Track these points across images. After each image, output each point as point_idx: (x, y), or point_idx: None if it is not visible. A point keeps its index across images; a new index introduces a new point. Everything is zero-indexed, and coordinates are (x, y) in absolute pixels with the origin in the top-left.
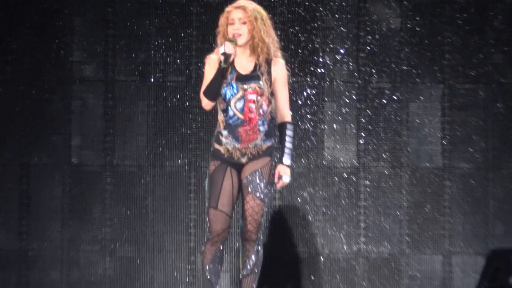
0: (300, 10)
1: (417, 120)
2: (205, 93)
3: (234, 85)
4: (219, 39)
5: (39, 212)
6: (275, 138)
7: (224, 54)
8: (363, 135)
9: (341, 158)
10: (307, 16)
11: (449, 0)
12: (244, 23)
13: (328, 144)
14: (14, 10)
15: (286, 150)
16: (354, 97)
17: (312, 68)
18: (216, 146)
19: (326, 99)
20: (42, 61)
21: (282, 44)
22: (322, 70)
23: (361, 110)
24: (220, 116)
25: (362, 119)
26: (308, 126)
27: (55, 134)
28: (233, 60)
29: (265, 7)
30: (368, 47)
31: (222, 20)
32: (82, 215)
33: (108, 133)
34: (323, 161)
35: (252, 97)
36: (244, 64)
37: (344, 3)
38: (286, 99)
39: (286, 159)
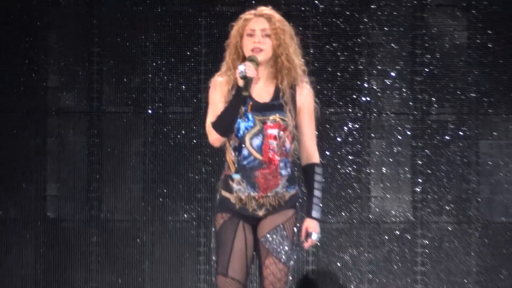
0: (339, 22)
1: (489, 162)
2: (215, 126)
3: (250, 116)
4: (228, 55)
5: (5, 279)
6: (298, 185)
7: (244, 77)
8: (420, 181)
9: (392, 211)
10: (348, 30)
11: None
12: (268, 35)
13: (376, 193)
14: None
15: (315, 200)
16: (408, 132)
17: (354, 96)
18: (225, 193)
19: (372, 135)
20: (9, 87)
21: (316, 65)
22: (368, 99)
23: (417, 150)
24: (230, 156)
25: (419, 161)
26: (350, 169)
27: (25, 181)
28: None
29: (295, 18)
30: (426, 69)
31: (236, 30)
32: (61, 285)
33: (93, 179)
34: (370, 215)
35: (273, 132)
36: (262, 89)
37: (395, 13)
38: (313, 135)
39: (315, 212)
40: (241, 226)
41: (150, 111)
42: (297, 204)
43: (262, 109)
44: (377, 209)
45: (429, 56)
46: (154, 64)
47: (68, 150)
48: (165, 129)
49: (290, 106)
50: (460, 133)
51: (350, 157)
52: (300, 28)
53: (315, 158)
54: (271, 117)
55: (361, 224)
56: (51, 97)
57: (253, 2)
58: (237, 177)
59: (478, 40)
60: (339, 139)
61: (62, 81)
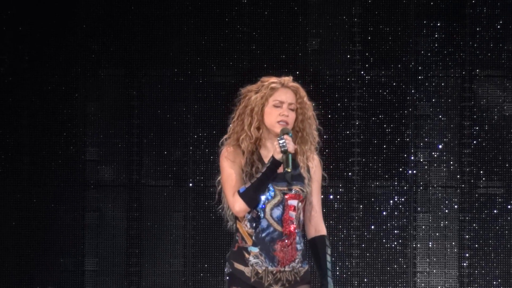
0: (385, 93)
1: None
2: (245, 197)
3: (270, 187)
4: (248, 123)
5: None
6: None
7: (285, 152)
8: (467, 255)
9: (438, 287)
10: (394, 101)
11: None
12: (293, 109)
13: (422, 267)
14: (9, 91)
15: (328, 273)
16: (455, 206)
17: (400, 169)
18: (238, 266)
19: (418, 209)
20: (47, 160)
21: (362, 137)
22: (414, 172)
23: (464, 223)
24: (245, 228)
25: (466, 235)
26: (395, 244)
27: (63, 256)
28: (259, 152)
29: (340, 89)
30: (474, 141)
31: (258, 97)
32: None
33: (132, 253)
34: None
35: (293, 203)
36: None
37: (443, 84)
38: (321, 207)
39: (331, 285)
40: None
41: (191, 184)
42: (311, 281)
43: (281, 179)
44: (423, 285)
45: (477, 128)
46: (195, 136)
47: (106, 224)
48: (206, 203)
49: (308, 178)
50: (508, 206)
51: (395, 231)
52: (346, 100)
53: (324, 230)
54: (292, 188)
55: None
56: (90, 170)
57: (297, 73)
58: (255, 250)
59: None
60: (384, 213)
61: (100, 153)
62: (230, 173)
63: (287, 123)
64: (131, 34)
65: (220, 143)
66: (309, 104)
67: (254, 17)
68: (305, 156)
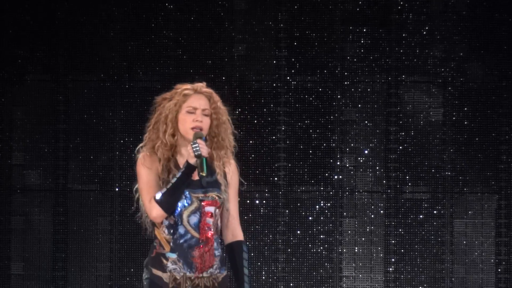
0: (311, 99)
1: (464, 242)
2: (161, 203)
3: (187, 193)
4: (162, 129)
5: None
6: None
7: (199, 156)
8: (393, 260)
9: None
10: (320, 106)
11: (508, 83)
12: (207, 115)
13: (348, 272)
14: None
15: (245, 278)
16: (381, 211)
17: (326, 174)
18: (156, 272)
19: (344, 214)
20: None
21: (288, 143)
22: (340, 177)
23: (390, 228)
24: (163, 234)
25: (392, 240)
26: (321, 249)
27: None
28: (176, 159)
29: (266, 94)
30: (400, 147)
31: (171, 105)
32: None
33: (59, 258)
34: None
35: (210, 209)
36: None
37: (369, 89)
38: (237, 213)
39: None
40: None
41: (117, 189)
42: (229, 286)
43: (199, 186)
44: None
45: (403, 134)
46: (122, 141)
47: (33, 228)
48: (132, 208)
49: (224, 184)
50: (434, 211)
51: (321, 237)
52: (272, 105)
53: (241, 235)
54: (208, 195)
55: None
56: (16, 175)
57: (223, 78)
58: (172, 256)
59: (454, 117)
60: (310, 218)
61: (27, 158)
62: (147, 180)
63: (201, 129)
64: (58, 39)
65: (136, 151)
66: (223, 109)
67: (180, 23)
68: (221, 162)
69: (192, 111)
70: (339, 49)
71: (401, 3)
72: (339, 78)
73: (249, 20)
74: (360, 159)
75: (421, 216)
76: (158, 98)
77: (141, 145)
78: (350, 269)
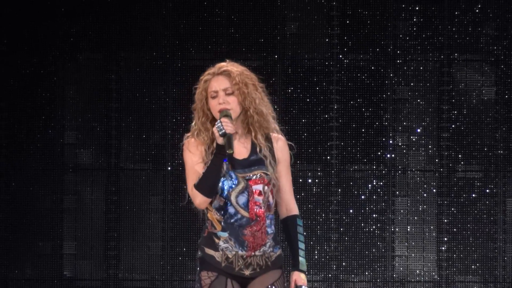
0: (364, 77)
1: None
2: (199, 188)
3: (233, 174)
4: (197, 118)
5: None
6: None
7: (224, 134)
8: (445, 239)
9: (417, 270)
10: (373, 85)
11: None
12: (232, 93)
13: (400, 251)
14: None
15: (300, 252)
16: (434, 190)
17: (379, 153)
18: (209, 251)
19: (397, 193)
20: (24, 144)
21: (340, 121)
22: (392, 155)
23: (443, 208)
24: (215, 215)
25: (445, 219)
26: (374, 228)
27: (41, 239)
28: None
29: (319, 73)
30: (452, 125)
31: (199, 93)
32: None
33: (111, 237)
34: (394, 274)
35: (258, 187)
36: (239, 145)
37: (421, 68)
38: (291, 187)
39: (303, 264)
40: (230, 284)
41: (169, 168)
42: (283, 265)
43: (243, 165)
44: (401, 268)
45: (456, 112)
46: (174, 120)
47: (85, 207)
48: (185, 186)
49: (270, 159)
50: (487, 190)
51: (374, 215)
52: (324, 84)
53: (295, 209)
54: (255, 173)
55: (385, 284)
56: (68, 154)
57: (275, 57)
58: (224, 235)
59: (506, 96)
60: (363, 197)
61: (79, 137)
62: (191, 165)
63: (228, 109)
64: (110, 17)
65: (184, 138)
66: (247, 82)
67: (232, 1)
68: (260, 135)
69: (215, 95)
70: (392, 27)
71: None
72: (391, 56)
73: None
74: (413, 138)
75: (473, 195)
76: (195, 87)
77: (187, 134)
78: (402, 248)
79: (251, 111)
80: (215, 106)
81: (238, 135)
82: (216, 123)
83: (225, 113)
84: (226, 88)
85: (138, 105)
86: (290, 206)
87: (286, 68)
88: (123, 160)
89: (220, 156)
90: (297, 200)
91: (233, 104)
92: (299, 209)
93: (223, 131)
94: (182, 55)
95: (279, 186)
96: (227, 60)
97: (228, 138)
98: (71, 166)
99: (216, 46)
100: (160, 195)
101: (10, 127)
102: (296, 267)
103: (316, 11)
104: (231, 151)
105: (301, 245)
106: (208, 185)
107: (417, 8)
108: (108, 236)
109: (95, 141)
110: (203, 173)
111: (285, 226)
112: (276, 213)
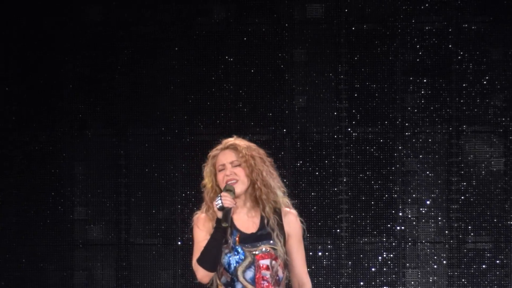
0: (372, 150)
1: None
2: (200, 262)
3: (239, 249)
4: (206, 195)
5: None
6: None
7: (222, 208)
8: None
9: None
10: (381, 157)
11: None
12: (238, 165)
13: None
14: None
15: None
16: (444, 261)
17: (388, 225)
18: None
19: (407, 264)
20: (34, 221)
21: (350, 194)
22: (402, 228)
23: (453, 279)
24: None
25: (455, 286)
26: None
27: None
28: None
29: (327, 146)
30: (462, 197)
31: (207, 170)
32: None
33: None
34: None
35: (265, 262)
36: (246, 220)
37: (430, 140)
38: (304, 261)
39: None
40: None
41: (179, 243)
42: None
43: (251, 240)
44: None
45: (465, 184)
46: (183, 194)
47: (95, 283)
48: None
49: (278, 232)
50: (497, 261)
51: (384, 287)
52: (333, 157)
53: (308, 284)
54: (261, 247)
55: None
56: (78, 230)
57: (284, 131)
58: None
59: None
60: (373, 269)
61: (89, 213)
62: (196, 241)
63: (236, 180)
64: (118, 93)
65: (194, 214)
66: (254, 155)
67: (240, 75)
68: (268, 208)
69: (222, 168)
70: (400, 100)
71: (461, 53)
72: (400, 129)
73: (309, 72)
74: (422, 210)
75: (484, 266)
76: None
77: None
78: None
79: (258, 183)
80: (222, 179)
81: (247, 209)
82: (216, 197)
83: (227, 188)
84: (233, 161)
85: (147, 180)
86: (303, 280)
87: (295, 142)
88: (133, 235)
89: (218, 230)
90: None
91: (240, 175)
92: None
93: (221, 205)
94: (190, 130)
95: (291, 261)
96: (235, 136)
97: (226, 212)
98: (81, 242)
99: (225, 121)
100: (171, 269)
101: (19, 204)
102: None
103: (324, 85)
104: (226, 225)
105: None
106: (208, 259)
107: (425, 81)
108: None
109: (105, 217)
110: (204, 247)
111: None
112: (288, 286)
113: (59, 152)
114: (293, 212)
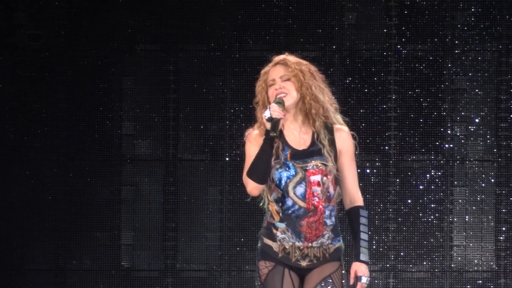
0: (422, 67)
1: None
2: (250, 174)
3: (290, 165)
4: (259, 112)
5: None
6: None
7: (270, 119)
8: (504, 229)
9: (475, 260)
10: (431, 75)
11: None
12: (288, 79)
13: (458, 241)
14: (46, 66)
15: (362, 243)
16: (492, 180)
17: (437, 143)
18: (267, 241)
19: (455, 183)
20: (82, 135)
21: (398, 111)
22: (450, 146)
23: (501, 197)
24: (273, 206)
25: (503, 209)
26: (432, 218)
27: (99, 230)
28: (281, 131)
29: (377, 64)
30: (511, 115)
31: (259, 86)
32: None
33: (169, 228)
34: (452, 264)
35: (316, 178)
36: (297, 136)
37: (479, 58)
38: (356, 177)
39: (364, 255)
40: (287, 274)
41: (227, 159)
42: (342, 258)
43: (302, 156)
44: (459, 258)
45: None
46: (232, 110)
47: (143, 198)
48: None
49: (329, 148)
50: None
51: (432, 205)
52: (382, 74)
53: (359, 200)
54: (312, 163)
55: (443, 274)
56: (126, 145)
57: (333, 47)
58: (282, 225)
59: None
60: (420, 187)
61: (137, 128)
62: (247, 156)
63: (285, 95)
64: (168, 8)
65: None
66: (304, 69)
67: None
68: (318, 123)
69: (273, 83)
70: (450, 17)
71: None
72: (449, 46)
73: None
74: (471, 128)
75: None
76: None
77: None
78: (460, 238)
79: (308, 98)
80: (272, 93)
81: (299, 125)
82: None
83: (277, 100)
84: (282, 76)
85: (196, 96)
86: (354, 197)
87: (344, 59)
88: (181, 151)
89: (267, 141)
90: None
91: (290, 89)
92: None
93: (269, 115)
94: (240, 46)
95: (342, 177)
96: (286, 53)
97: (274, 122)
98: (129, 157)
99: (274, 37)
100: (218, 185)
101: (68, 118)
102: (357, 257)
103: (374, 2)
104: (274, 134)
105: (364, 236)
106: (258, 170)
107: None
108: (166, 227)
109: (153, 132)
110: (254, 159)
111: (349, 218)
112: (340, 204)
113: (108, 66)
114: (345, 129)
